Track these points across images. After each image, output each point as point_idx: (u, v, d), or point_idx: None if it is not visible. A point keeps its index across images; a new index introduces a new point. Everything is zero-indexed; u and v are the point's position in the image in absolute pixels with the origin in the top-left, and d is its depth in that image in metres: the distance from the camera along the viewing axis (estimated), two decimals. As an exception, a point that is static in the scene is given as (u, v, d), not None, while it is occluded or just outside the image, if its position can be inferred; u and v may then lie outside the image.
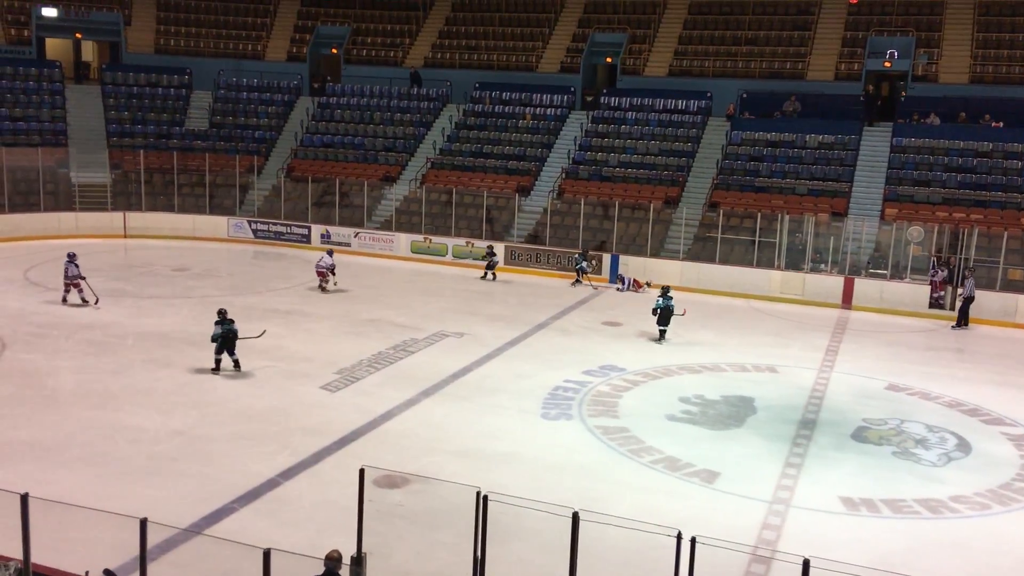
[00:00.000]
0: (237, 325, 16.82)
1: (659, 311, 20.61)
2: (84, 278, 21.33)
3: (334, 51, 40.45)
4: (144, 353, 17.96)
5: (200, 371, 16.94)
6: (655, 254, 28.48)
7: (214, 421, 14.43)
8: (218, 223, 32.35)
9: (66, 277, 21.29)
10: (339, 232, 31.29)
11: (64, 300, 21.41)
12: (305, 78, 39.47)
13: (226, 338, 16.70)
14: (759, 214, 27.88)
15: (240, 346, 17.22)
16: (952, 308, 23.74)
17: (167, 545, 9.84)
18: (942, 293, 23.71)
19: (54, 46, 39.56)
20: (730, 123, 32.89)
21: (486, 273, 27.63)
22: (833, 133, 31.22)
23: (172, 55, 39.72)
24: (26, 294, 22.58)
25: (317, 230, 31.55)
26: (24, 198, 31.00)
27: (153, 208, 32.54)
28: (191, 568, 9.67)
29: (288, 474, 12.54)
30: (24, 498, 6.67)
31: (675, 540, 6.50)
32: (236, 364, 16.89)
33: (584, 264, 27.19)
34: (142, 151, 33.44)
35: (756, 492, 12.62)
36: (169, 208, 32.63)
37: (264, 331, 18.17)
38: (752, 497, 12.46)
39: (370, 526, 7.41)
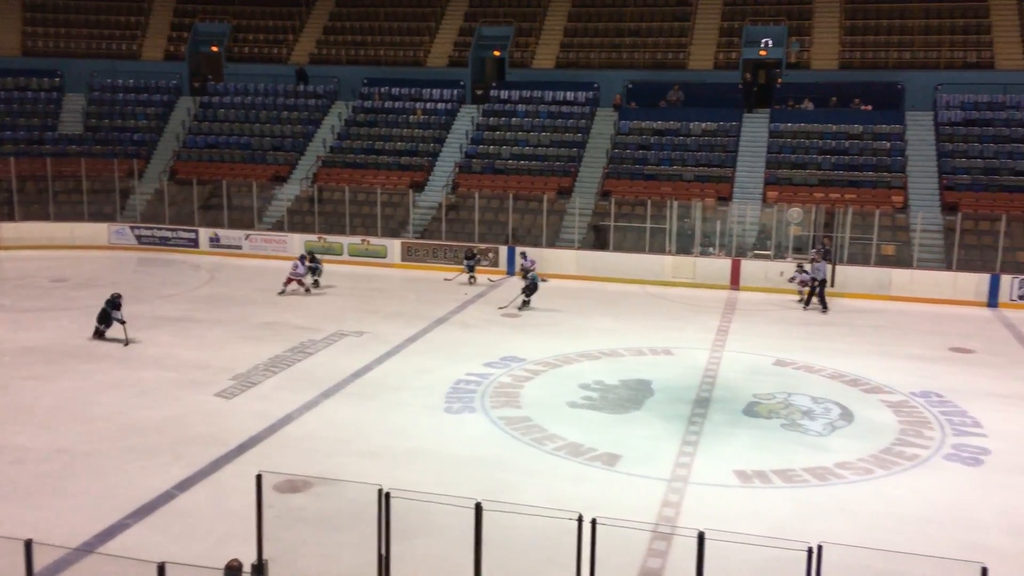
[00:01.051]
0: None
1: (530, 283, 23.18)
2: None
3: (214, 49, 39.29)
4: (24, 369, 17.13)
5: (83, 386, 16.26)
6: (551, 244, 28.82)
7: (103, 436, 13.89)
8: (98, 230, 31.06)
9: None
10: (229, 235, 30.49)
11: None
12: (185, 77, 38.25)
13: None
14: (649, 201, 28.54)
15: (127, 357, 16.61)
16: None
17: (57, 567, 9.45)
18: (803, 291, 24.28)
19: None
20: (618, 113, 33.53)
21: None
22: (715, 120, 32.21)
23: (41, 57, 37.87)
24: None
25: (205, 234, 30.66)
26: None
27: (27, 217, 31.01)
28: (85, 589, 9.32)
29: (184, 485, 12.19)
30: None
31: (576, 523, 6.64)
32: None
33: (469, 262, 26.63)
34: (13, 158, 31.80)
35: (656, 471, 12.97)
36: (44, 217, 31.16)
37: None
38: (652, 476, 12.79)
39: (272, 532, 7.29)
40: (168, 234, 30.97)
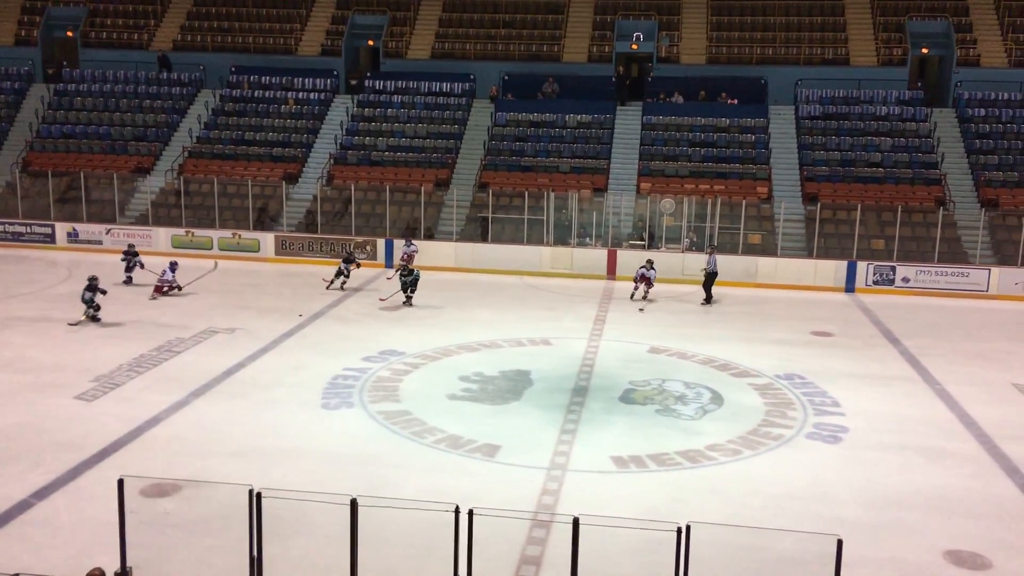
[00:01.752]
0: None
1: (409, 277, 22.82)
2: None
3: (69, 34, 37.23)
4: None
5: (-71, 392, 15.12)
6: (429, 236, 28.68)
7: (-50, 445, 12.96)
8: (-58, 226, 29.02)
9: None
10: (88, 229, 28.99)
11: None
12: (37, 63, 36.12)
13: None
14: (527, 193, 28.77)
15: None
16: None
17: (-103, 589, 8.75)
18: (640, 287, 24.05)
19: None
20: (494, 105, 33.64)
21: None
22: (590, 113, 32.75)
23: None
24: None
25: (63, 228, 29.06)
26: None
27: None
28: (-71, 611, 8.66)
29: (42, 494, 11.50)
30: None
31: (454, 515, 6.61)
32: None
33: (346, 266, 24.32)
34: None
35: (535, 460, 13.08)
36: None
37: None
38: (531, 466, 12.90)
39: (137, 539, 6.96)
40: (21, 229, 29.19)
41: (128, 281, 23.82)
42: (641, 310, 22.96)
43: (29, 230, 29.17)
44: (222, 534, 10.29)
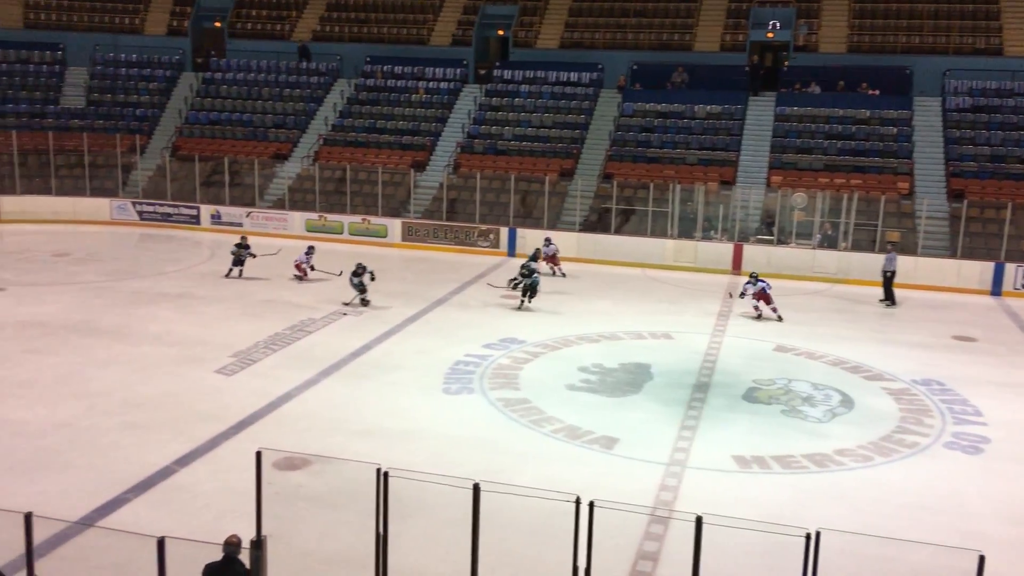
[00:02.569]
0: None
1: (526, 287, 21.22)
2: None
3: (217, 24, 39.06)
4: (24, 343, 17.13)
5: (83, 361, 16.26)
6: (551, 226, 28.75)
7: (103, 411, 13.90)
8: (100, 205, 31.01)
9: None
10: (230, 212, 30.43)
11: None
12: (187, 53, 38.04)
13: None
14: (652, 184, 28.44)
15: (128, 333, 16.57)
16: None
17: (56, 540, 9.47)
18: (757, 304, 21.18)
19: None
20: (621, 95, 33.35)
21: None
22: (720, 103, 32.02)
23: (43, 30, 37.67)
24: None
25: (207, 210, 30.60)
26: None
27: (29, 191, 30.92)
28: (82, 562, 9.33)
29: (184, 461, 12.21)
30: None
31: (574, 506, 6.63)
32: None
33: (357, 279, 21.00)
34: (14, 131, 31.65)
35: (653, 455, 12.97)
36: (46, 191, 31.08)
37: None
38: (650, 460, 12.79)
39: (271, 509, 7.30)
40: (170, 210, 30.90)
41: (239, 275, 23.10)
42: (758, 315, 21.14)
43: (177, 211, 30.86)
44: (348, 509, 10.66)
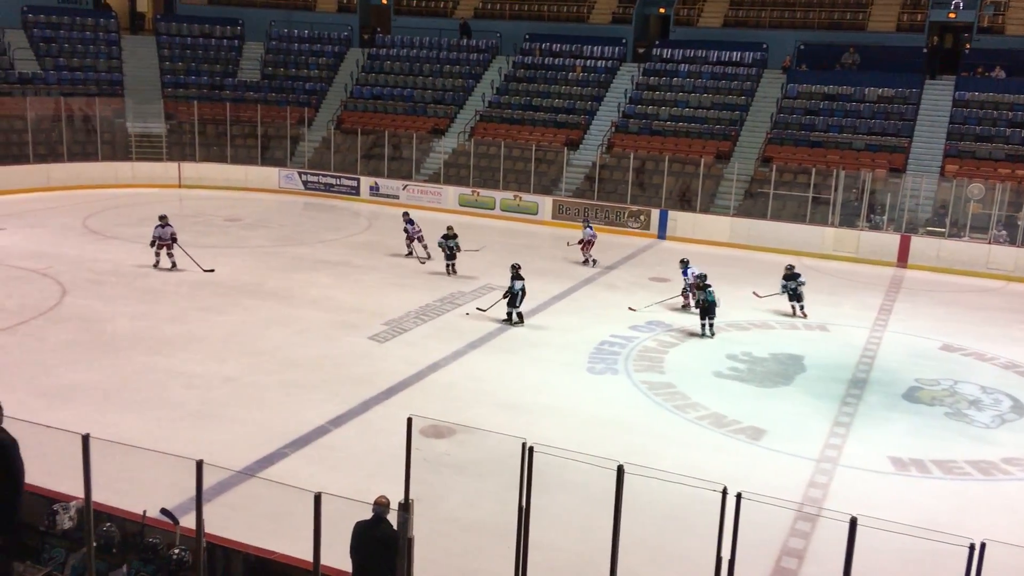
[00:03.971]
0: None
1: (706, 304, 17.83)
2: (175, 241, 20.58)
3: (384, 2, 40.21)
4: (197, 301, 18.33)
5: (250, 321, 17.24)
6: (705, 210, 28.13)
7: (265, 369, 14.72)
8: (269, 174, 32.67)
9: (159, 240, 20.48)
10: (388, 184, 31.40)
11: (156, 264, 20.57)
12: (355, 29, 39.35)
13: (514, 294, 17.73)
14: (814, 169, 27.32)
15: (290, 296, 17.41)
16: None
17: (221, 487, 10.12)
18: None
19: (109, -3, 39.97)
20: (786, 76, 32.13)
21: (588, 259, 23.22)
22: (893, 86, 30.30)
23: (225, 6, 39.82)
24: (85, 241, 23.13)
25: (366, 182, 31.70)
26: (82, 147, 31.58)
27: (207, 159, 32.93)
28: (244, 510, 9.94)
29: (337, 422, 12.77)
30: (85, 439, 6.88)
31: (720, 495, 6.48)
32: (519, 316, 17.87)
33: (449, 242, 21.49)
34: (196, 102, 33.75)
35: (803, 450, 12.55)
36: (222, 159, 33.00)
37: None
38: (799, 455, 12.39)
39: (417, 474, 7.52)
40: (332, 181, 32.20)
41: (454, 271, 21.71)
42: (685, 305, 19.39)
43: (338, 182, 32.12)
44: (490, 479, 10.88)
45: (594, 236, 23.69)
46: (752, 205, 28.08)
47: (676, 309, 19.38)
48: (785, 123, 30.44)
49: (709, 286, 17.80)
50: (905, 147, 28.73)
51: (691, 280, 19.30)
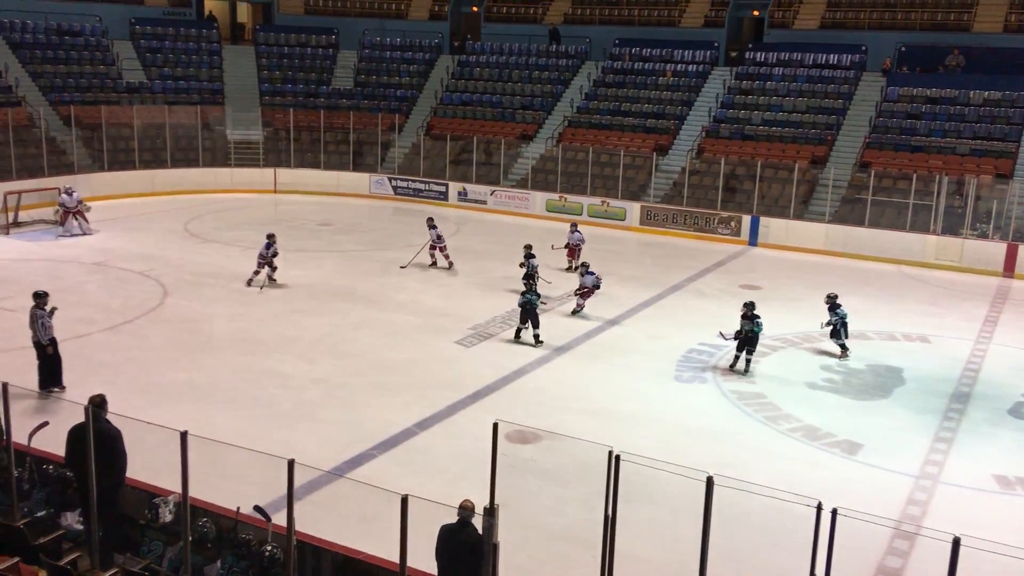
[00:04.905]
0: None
1: (744, 335, 15.60)
2: (272, 265, 19.91)
3: (474, 9, 40.59)
4: (291, 304, 18.78)
5: (341, 324, 17.57)
6: (798, 216, 27.44)
7: (354, 371, 14.97)
8: (361, 180, 33.30)
9: (260, 257, 19.93)
10: (475, 190, 31.64)
11: (249, 282, 19.85)
12: (446, 36, 39.82)
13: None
14: (915, 175, 26.36)
15: (379, 300, 17.65)
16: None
17: (311, 486, 10.32)
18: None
19: (212, 8, 41.40)
20: (886, 78, 31.12)
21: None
22: (1001, 89, 29.02)
23: (320, 16, 40.85)
24: (186, 244, 23.97)
25: (455, 187, 32.00)
26: (184, 154, 32.79)
27: (301, 164, 33.78)
28: (333, 509, 10.11)
29: (424, 425, 12.89)
30: (184, 436, 7.10)
31: (814, 510, 6.29)
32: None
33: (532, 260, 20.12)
34: (291, 109, 34.68)
35: (901, 466, 12.09)
36: (315, 165, 33.79)
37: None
38: (897, 471, 11.94)
39: (502, 479, 7.52)
40: (421, 186, 32.61)
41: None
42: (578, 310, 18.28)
43: (427, 187, 32.52)
44: (575, 486, 10.81)
45: (582, 241, 22.65)
46: (849, 212, 27.25)
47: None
48: (885, 127, 29.47)
49: (758, 316, 15.51)
50: (1013, 152, 27.45)
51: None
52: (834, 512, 6.17)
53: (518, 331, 16.86)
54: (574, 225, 23.58)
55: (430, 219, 23.22)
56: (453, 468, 11.47)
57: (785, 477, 11.26)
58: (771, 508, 9.44)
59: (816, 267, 24.40)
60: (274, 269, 20.02)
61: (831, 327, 16.81)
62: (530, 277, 17.79)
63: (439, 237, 22.52)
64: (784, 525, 9.79)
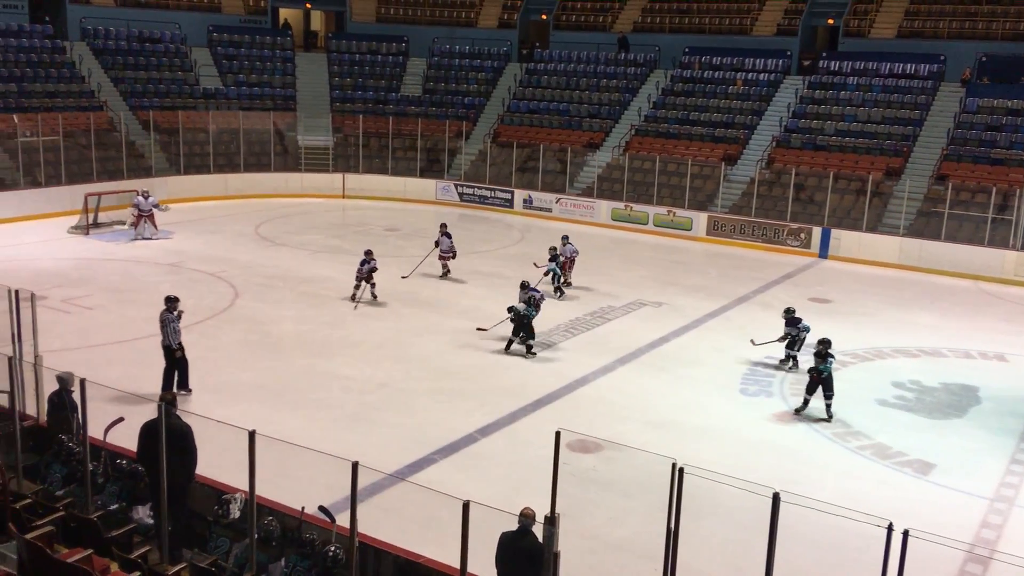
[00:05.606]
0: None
1: (819, 376, 13.88)
2: (371, 281, 19.37)
3: (543, 17, 40.67)
4: (357, 308, 19.00)
5: (404, 328, 17.72)
6: (871, 229, 26.80)
7: (417, 376, 15.08)
8: (427, 186, 33.60)
9: (359, 273, 19.45)
10: (541, 197, 31.65)
11: (353, 297, 19.44)
12: (514, 44, 39.97)
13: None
14: (994, 188, 25.54)
15: (443, 306, 17.73)
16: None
17: (374, 488, 10.41)
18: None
19: (286, 16, 42.28)
20: (965, 89, 30.23)
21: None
22: (1088, 100, 27.97)
23: (392, 24, 41.37)
24: (257, 247, 24.48)
25: (520, 195, 32.06)
26: (257, 159, 33.52)
27: (369, 170, 34.23)
28: (395, 512, 10.18)
29: (485, 431, 12.91)
30: (252, 435, 7.23)
31: (884, 531, 6.11)
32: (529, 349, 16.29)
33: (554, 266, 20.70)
34: (361, 116, 35.18)
35: (976, 488, 11.69)
36: (383, 171, 34.21)
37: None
38: (971, 493, 11.55)
39: (563, 488, 7.49)
40: (487, 193, 32.76)
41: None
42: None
43: (492, 194, 32.66)
44: (638, 498, 10.70)
45: (575, 253, 21.44)
46: (924, 225, 26.52)
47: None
48: (963, 139, 28.63)
49: (831, 356, 13.89)
50: (1100, 165, 26.43)
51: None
52: (906, 533, 5.99)
53: (509, 342, 16.37)
54: (566, 237, 22.21)
55: (443, 225, 22.38)
56: (513, 475, 11.46)
57: (853, 496, 10.97)
58: (839, 527, 9.22)
59: (889, 281, 23.80)
60: (374, 285, 19.34)
61: (788, 339, 16.04)
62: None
63: (450, 247, 21.67)
64: (852, 545, 9.54)
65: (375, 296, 19.44)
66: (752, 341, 16.88)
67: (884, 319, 19.92)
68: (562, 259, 21.19)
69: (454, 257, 21.89)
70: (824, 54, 33.95)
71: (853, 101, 31.29)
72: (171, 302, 13.58)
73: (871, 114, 30.54)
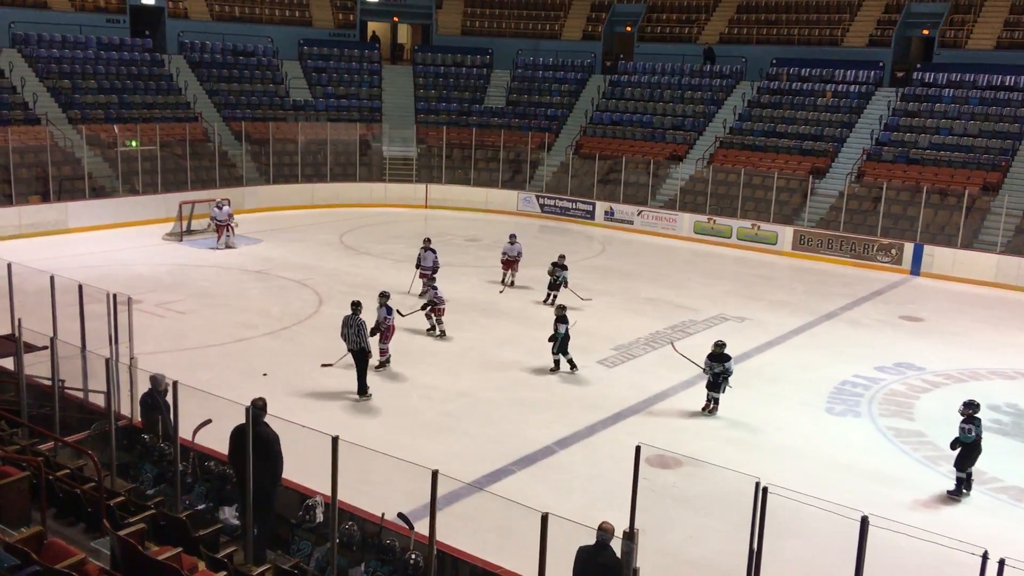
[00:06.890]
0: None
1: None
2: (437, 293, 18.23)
3: (628, 29, 40.53)
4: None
5: (485, 338, 17.81)
6: (967, 245, 25.83)
7: (497, 386, 15.14)
8: (508, 197, 33.77)
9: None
10: (623, 209, 31.47)
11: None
12: (598, 56, 39.91)
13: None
14: (1101, 205, 24.36)
15: (524, 317, 17.73)
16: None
17: (452, 497, 10.47)
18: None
19: (374, 29, 43.16)
20: (1071, 100, 28.96)
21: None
22: None
23: (476, 36, 41.80)
24: (342, 256, 24.99)
25: (601, 207, 31.95)
26: (343, 169, 34.24)
27: (452, 181, 34.60)
28: (473, 521, 10.23)
29: (563, 443, 12.88)
30: (335, 441, 7.37)
31: (980, 559, 5.87)
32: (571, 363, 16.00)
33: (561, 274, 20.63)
34: (445, 127, 35.60)
35: (1078, 519, 11.13)
36: (466, 181, 34.54)
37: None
38: (1073, 524, 11.00)
39: (642, 503, 7.41)
40: (568, 204, 32.75)
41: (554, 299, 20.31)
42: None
43: (574, 206, 32.62)
44: (718, 516, 10.52)
45: (519, 255, 21.81)
46: (1022, 242, 25.44)
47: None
48: (1067, 153, 27.41)
49: (977, 418, 11.88)
50: None
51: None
52: (1001, 563, 5.74)
53: (557, 363, 15.96)
54: (513, 236, 22.06)
55: (427, 240, 21.21)
56: (591, 489, 11.39)
57: (946, 522, 10.59)
58: (929, 553, 8.89)
59: (984, 300, 22.91)
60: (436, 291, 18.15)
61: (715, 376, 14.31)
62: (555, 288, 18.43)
63: (434, 263, 20.46)
64: (945, 574, 9.18)
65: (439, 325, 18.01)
66: (672, 344, 16.49)
67: (979, 339, 19.16)
68: (505, 258, 21.81)
69: (436, 271, 20.09)
70: (919, 66, 32.94)
71: (949, 113, 30.27)
72: (356, 306, 14.51)
73: (967, 127, 29.49)
